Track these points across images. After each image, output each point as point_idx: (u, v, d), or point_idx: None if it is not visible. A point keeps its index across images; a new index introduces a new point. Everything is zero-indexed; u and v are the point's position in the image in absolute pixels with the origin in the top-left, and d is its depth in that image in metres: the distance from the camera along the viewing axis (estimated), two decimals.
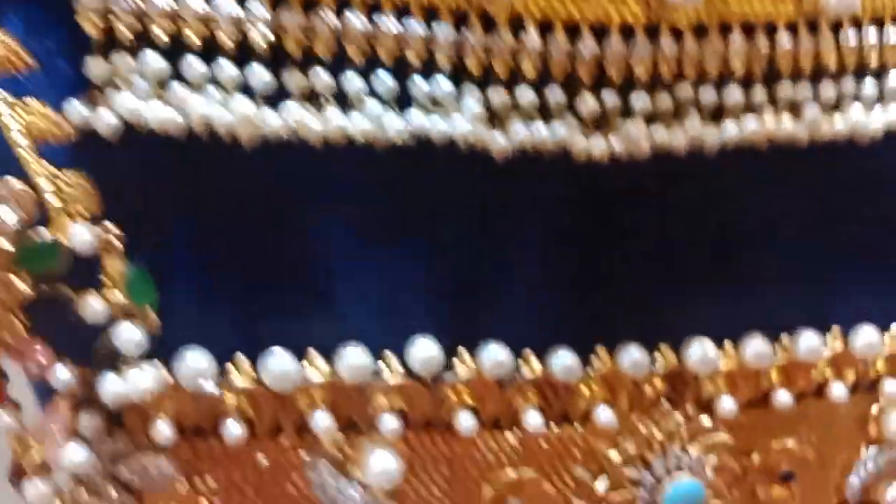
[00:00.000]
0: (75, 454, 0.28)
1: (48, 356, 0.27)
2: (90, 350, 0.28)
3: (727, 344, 0.34)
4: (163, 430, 0.29)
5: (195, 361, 0.29)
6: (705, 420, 0.34)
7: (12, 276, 0.26)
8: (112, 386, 0.28)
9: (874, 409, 0.37)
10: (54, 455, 0.28)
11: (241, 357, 0.30)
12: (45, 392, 0.29)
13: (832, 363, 0.36)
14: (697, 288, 0.34)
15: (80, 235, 0.26)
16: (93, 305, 0.27)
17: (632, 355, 0.33)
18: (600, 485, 0.33)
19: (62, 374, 0.28)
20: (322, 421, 0.30)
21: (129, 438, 0.29)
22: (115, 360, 0.28)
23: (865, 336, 0.36)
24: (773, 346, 0.35)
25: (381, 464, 0.31)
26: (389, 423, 0.31)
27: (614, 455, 0.33)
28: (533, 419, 0.32)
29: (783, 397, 0.35)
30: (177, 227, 0.29)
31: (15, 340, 0.27)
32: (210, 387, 0.29)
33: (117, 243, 0.27)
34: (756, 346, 0.34)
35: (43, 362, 0.27)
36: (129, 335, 0.27)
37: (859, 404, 0.37)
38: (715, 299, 0.34)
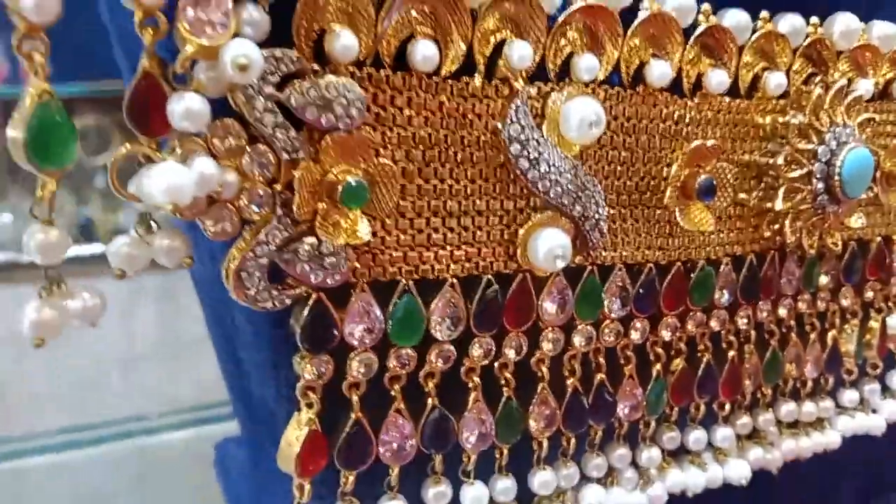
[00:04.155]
0: (240, 48, 0.21)
1: None
2: None
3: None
4: (345, 39, 0.23)
5: None
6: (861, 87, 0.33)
7: None
8: None
9: None
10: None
11: None
12: None
13: None
14: None
15: None
16: None
17: (789, 21, 0.32)
18: (779, 160, 0.31)
19: None
20: (517, 50, 0.26)
21: (300, 56, 0.23)
22: None
23: None
24: None
25: (585, 109, 0.26)
26: (588, 61, 0.27)
27: (794, 120, 0.31)
28: (717, 77, 0.30)
29: None
30: None
31: None
32: None
33: None
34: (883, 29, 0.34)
35: None
36: None
37: None
38: None
